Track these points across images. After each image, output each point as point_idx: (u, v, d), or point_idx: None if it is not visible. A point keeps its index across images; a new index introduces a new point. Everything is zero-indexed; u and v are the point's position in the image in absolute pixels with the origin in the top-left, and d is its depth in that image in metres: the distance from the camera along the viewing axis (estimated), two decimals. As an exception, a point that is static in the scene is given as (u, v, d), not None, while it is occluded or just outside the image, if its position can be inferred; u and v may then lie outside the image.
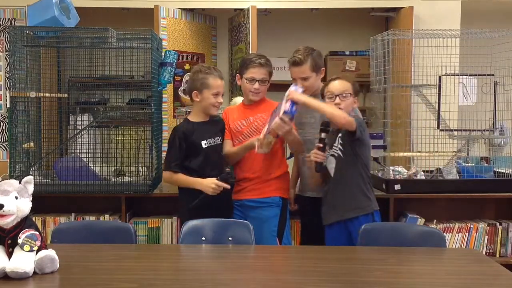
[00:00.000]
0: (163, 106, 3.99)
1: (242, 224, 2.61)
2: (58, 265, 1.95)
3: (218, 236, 2.53)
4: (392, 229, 2.55)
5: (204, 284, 1.90)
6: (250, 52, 3.08)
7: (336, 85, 2.78)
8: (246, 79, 2.99)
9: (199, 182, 2.80)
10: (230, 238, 2.52)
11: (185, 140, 2.87)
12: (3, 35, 4.66)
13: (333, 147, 2.78)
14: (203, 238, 2.52)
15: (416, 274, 2.07)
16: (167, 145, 2.97)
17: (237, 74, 3.09)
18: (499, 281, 1.98)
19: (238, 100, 3.49)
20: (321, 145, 2.73)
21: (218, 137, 2.96)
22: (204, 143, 2.89)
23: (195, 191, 2.81)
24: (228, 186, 2.77)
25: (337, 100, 2.74)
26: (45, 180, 3.43)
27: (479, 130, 3.74)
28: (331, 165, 2.78)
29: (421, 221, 3.40)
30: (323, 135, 2.74)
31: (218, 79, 2.90)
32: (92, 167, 3.45)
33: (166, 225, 3.48)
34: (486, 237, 3.46)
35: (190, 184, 2.84)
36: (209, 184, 2.76)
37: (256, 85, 2.96)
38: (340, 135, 2.77)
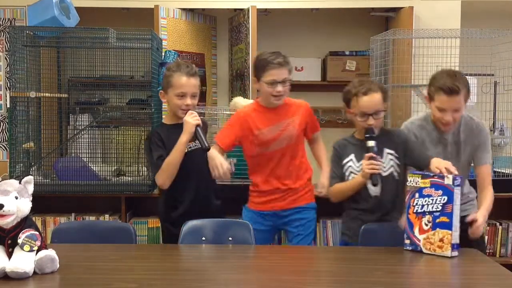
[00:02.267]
0: (163, 106, 4.00)
1: (242, 224, 2.60)
2: (58, 265, 1.95)
3: (218, 236, 2.53)
4: (392, 229, 2.55)
5: (204, 284, 1.90)
6: (262, 53, 2.73)
7: (368, 103, 2.45)
8: (265, 82, 2.66)
9: (180, 138, 2.52)
10: (230, 238, 2.52)
11: (162, 141, 2.59)
12: (3, 35, 4.66)
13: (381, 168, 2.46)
14: (203, 238, 2.51)
15: (416, 274, 2.07)
16: (146, 152, 2.71)
17: (254, 78, 2.77)
18: (499, 281, 1.98)
19: (239, 100, 3.48)
20: (373, 154, 2.42)
21: (195, 141, 2.61)
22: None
23: (175, 198, 2.65)
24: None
25: (371, 120, 2.45)
26: (45, 180, 3.43)
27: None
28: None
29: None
30: (371, 143, 2.44)
31: (184, 77, 2.55)
32: (92, 167, 3.45)
33: (166, 225, 3.48)
34: (486, 237, 3.45)
35: (177, 152, 2.52)
36: (188, 120, 2.50)
37: (279, 87, 2.65)
38: (391, 154, 2.50)
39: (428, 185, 2.23)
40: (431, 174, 2.26)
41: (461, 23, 4.63)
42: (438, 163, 2.31)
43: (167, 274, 2.05)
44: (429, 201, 2.24)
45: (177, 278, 2.02)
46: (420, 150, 2.52)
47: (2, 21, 4.68)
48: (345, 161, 2.54)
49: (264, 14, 5.01)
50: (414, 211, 2.27)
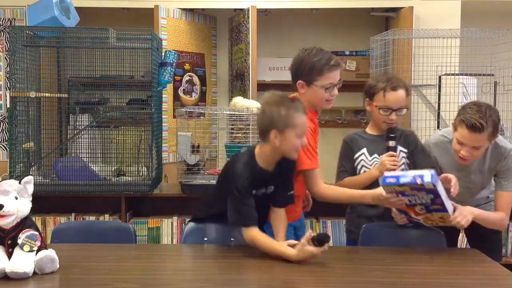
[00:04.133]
0: (163, 106, 4.00)
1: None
2: (58, 265, 1.95)
3: (221, 236, 2.52)
4: (392, 229, 2.55)
5: (204, 284, 1.90)
6: (308, 52, 2.39)
7: (395, 98, 2.46)
8: (322, 87, 2.38)
9: (286, 254, 2.14)
10: (232, 239, 2.51)
11: (251, 189, 2.25)
12: (3, 35, 4.66)
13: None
14: (205, 239, 2.51)
15: (416, 274, 2.07)
16: (230, 193, 2.24)
17: (299, 82, 2.41)
18: (499, 281, 1.98)
19: (238, 100, 3.47)
20: (394, 153, 2.45)
21: (272, 186, 2.32)
22: (254, 192, 2.29)
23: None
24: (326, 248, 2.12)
25: (393, 116, 2.46)
26: (45, 180, 3.43)
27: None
28: None
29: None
30: (392, 143, 2.46)
31: (304, 116, 2.24)
32: (92, 167, 3.45)
33: (166, 225, 3.48)
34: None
35: (268, 251, 2.19)
36: (304, 254, 2.11)
37: (335, 90, 2.41)
38: (404, 152, 2.53)
39: (408, 189, 2.19)
40: (406, 183, 2.16)
41: (461, 23, 4.63)
42: (460, 215, 2.27)
43: (167, 274, 2.05)
44: (415, 198, 2.23)
45: (177, 278, 2.02)
46: (423, 156, 2.53)
47: (2, 21, 4.68)
48: (357, 154, 2.55)
49: (264, 14, 5.01)
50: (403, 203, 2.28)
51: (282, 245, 2.18)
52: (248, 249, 2.37)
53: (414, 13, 4.59)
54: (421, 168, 2.42)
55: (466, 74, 3.98)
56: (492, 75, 3.83)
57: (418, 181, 2.13)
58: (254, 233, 2.22)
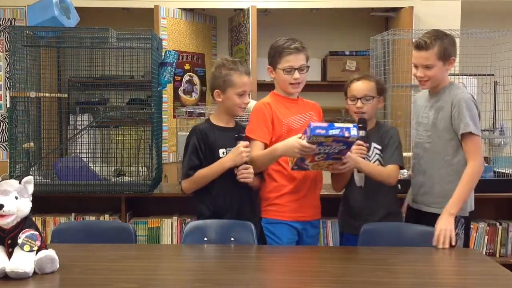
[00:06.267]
0: (163, 106, 4.00)
1: (244, 225, 2.59)
2: (58, 265, 1.95)
3: (221, 236, 2.52)
4: (392, 229, 2.55)
5: (204, 284, 1.90)
6: (277, 40, 2.61)
7: (359, 87, 2.60)
8: (282, 69, 2.54)
9: (224, 160, 2.47)
10: (232, 239, 2.51)
11: (203, 142, 2.54)
12: (3, 35, 4.66)
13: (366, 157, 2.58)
14: (205, 239, 2.51)
15: (416, 274, 2.07)
16: (184, 148, 2.62)
17: (268, 67, 2.61)
18: (499, 281, 1.98)
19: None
20: (361, 142, 2.51)
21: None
22: (222, 152, 2.54)
23: (211, 195, 2.56)
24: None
25: (359, 103, 2.58)
26: (45, 180, 3.43)
27: (479, 130, 3.73)
28: (360, 174, 2.60)
29: (421, 221, 3.39)
30: (362, 132, 2.52)
31: (244, 76, 2.55)
32: (92, 167, 3.44)
33: (166, 225, 3.48)
34: (486, 237, 3.45)
35: (215, 172, 2.49)
36: (237, 153, 2.43)
37: (296, 74, 2.53)
38: (378, 148, 2.62)
39: (330, 141, 2.22)
40: (334, 135, 2.18)
41: (461, 23, 4.63)
42: (439, 233, 2.35)
43: (167, 274, 2.05)
44: (327, 149, 2.28)
45: (177, 278, 2.02)
46: (392, 151, 2.61)
47: (2, 21, 4.68)
48: None
49: (264, 14, 5.01)
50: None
51: (217, 162, 2.48)
52: (248, 249, 2.38)
53: (414, 13, 4.59)
54: (386, 162, 2.58)
55: (466, 74, 3.97)
56: (492, 75, 3.83)
57: (346, 134, 2.19)
58: (194, 175, 2.51)
